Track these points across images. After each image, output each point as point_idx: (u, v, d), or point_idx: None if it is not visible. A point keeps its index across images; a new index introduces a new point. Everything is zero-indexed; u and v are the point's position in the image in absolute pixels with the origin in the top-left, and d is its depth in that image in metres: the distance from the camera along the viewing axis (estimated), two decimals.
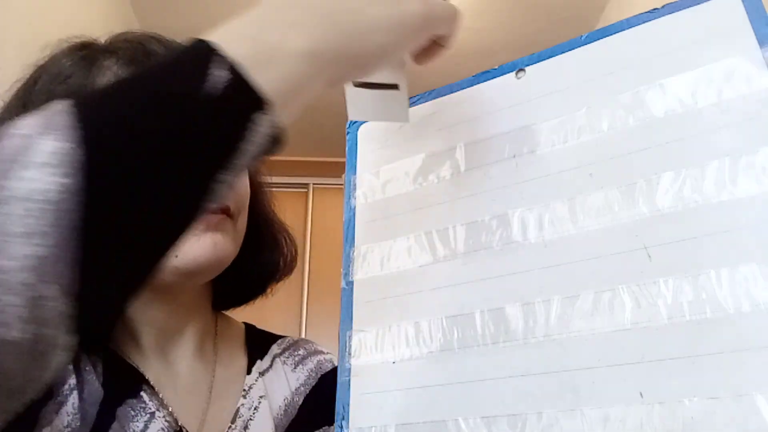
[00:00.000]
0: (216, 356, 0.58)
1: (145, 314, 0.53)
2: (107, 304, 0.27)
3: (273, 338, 0.64)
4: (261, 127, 0.28)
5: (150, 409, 0.48)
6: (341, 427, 0.41)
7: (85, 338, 0.26)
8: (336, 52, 0.32)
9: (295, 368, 0.60)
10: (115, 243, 0.25)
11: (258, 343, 0.62)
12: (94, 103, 0.27)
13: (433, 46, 0.40)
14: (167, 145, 0.26)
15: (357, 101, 0.44)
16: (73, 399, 0.45)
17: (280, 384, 0.58)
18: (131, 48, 0.52)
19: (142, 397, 0.49)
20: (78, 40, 0.55)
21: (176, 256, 0.48)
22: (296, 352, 0.62)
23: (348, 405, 0.41)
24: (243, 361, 0.59)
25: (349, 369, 0.42)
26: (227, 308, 0.63)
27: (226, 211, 0.51)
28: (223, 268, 0.53)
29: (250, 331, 0.64)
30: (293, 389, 0.58)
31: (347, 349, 0.43)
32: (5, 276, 0.22)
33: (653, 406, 0.32)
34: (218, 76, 0.27)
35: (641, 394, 0.32)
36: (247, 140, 0.28)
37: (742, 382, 0.30)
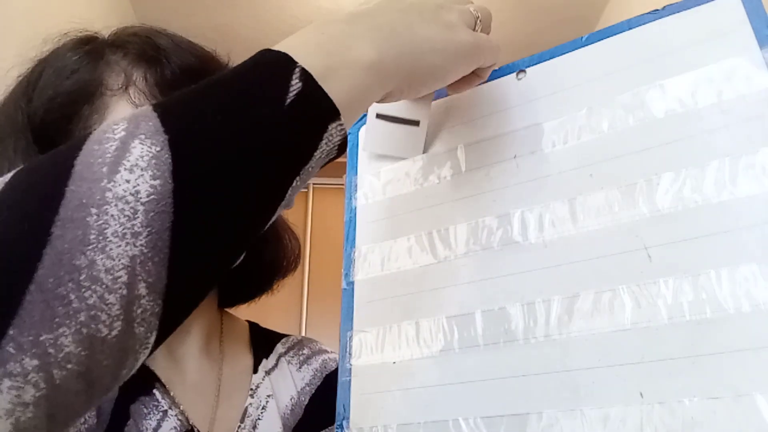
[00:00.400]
0: (222, 355, 0.58)
1: None
2: (188, 302, 0.28)
3: (277, 337, 0.64)
4: (332, 135, 0.30)
5: (163, 407, 0.49)
6: (342, 427, 0.41)
7: (162, 339, 0.27)
8: (397, 66, 0.33)
9: (300, 368, 0.61)
10: (201, 244, 0.26)
11: (263, 342, 0.62)
12: (177, 109, 0.28)
13: (470, 76, 0.41)
14: (247, 150, 0.27)
15: (375, 132, 0.45)
16: None
17: (286, 383, 0.58)
18: (140, 42, 0.52)
19: (154, 395, 0.49)
20: (80, 35, 0.55)
21: None
22: (301, 352, 0.63)
23: (348, 405, 0.41)
24: (249, 359, 0.59)
25: (350, 369, 0.42)
26: (232, 305, 0.64)
27: None
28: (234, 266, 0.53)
29: (255, 329, 0.64)
30: (299, 389, 0.58)
31: (348, 350, 0.43)
32: (105, 276, 0.23)
33: (653, 406, 0.32)
34: (296, 85, 0.28)
35: (641, 394, 0.32)
36: (320, 148, 0.30)
37: (742, 382, 0.30)
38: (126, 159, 0.25)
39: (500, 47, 0.40)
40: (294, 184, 0.29)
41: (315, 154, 0.30)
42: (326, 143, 0.30)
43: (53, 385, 0.23)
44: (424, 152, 0.46)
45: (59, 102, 0.49)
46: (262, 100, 0.28)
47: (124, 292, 0.24)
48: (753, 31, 0.35)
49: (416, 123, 0.44)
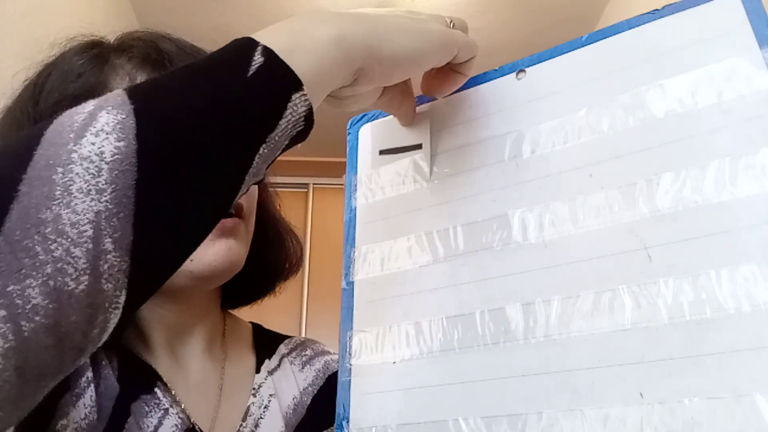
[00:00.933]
0: (225, 355, 0.58)
1: (155, 313, 0.54)
2: (158, 263, 0.28)
3: (280, 338, 0.64)
4: (296, 105, 0.31)
5: (164, 405, 0.49)
6: (342, 427, 0.41)
7: (133, 301, 0.27)
8: (363, 41, 0.34)
9: (302, 368, 0.61)
10: (166, 202, 0.27)
11: (266, 343, 0.62)
12: (143, 86, 0.30)
13: (450, 74, 0.42)
14: (210, 115, 0.29)
15: (381, 167, 0.46)
16: (90, 392, 0.46)
17: (289, 383, 0.59)
18: (144, 46, 0.53)
19: (156, 393, 0.49)
20: (87, 39, 0.56)
21: (191, 261, 0.49)
22: (304, 352, 0.63)
23: (348, 405, 0.41)
24: (251, 360, 0.59)
25: (350, 369, 0.42)
26: (235, 307, 0.64)
27: (239, 213, 0.52)
28: (236, 271, 0.53)
29: (258, 330, 0.65)
30: (301, 389, 0.59)
31: (348, 350, 0.43)
32: (70, 229, 0.24)
33: (653, 406, 0.32)
34: (258, 60, 0.30)
35: (641, 394, 0.32)
36: (283, 116, 0.31)
37: (742, 382, 0.30)
38: (93, 126, 0.26)
39: (478, 45, 0.41)
40: (261, 151, 0.30)
41: (280, 122, 0.31)
42: (291, 113, 0.31)
43: (22, 337, 0.23)
44: (423, 153, 0.46)
45: (65, 105, 0.50)
46: (225, 74, 0.30)
47: (90, 246, 0.24)
48: (753, 31, 0.35)
49: (419, 147, 0.45)
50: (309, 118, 0.32)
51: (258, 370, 0.58)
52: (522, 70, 0.44)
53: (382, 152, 0.46)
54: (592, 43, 0.41)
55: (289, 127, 0.31)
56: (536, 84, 0.43)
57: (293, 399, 0.57)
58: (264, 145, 0.30)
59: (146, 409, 0.48)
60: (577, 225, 0.37)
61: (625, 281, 0.35)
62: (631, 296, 0.34)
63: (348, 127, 0.50)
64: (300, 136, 0.33)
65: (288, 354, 0.62)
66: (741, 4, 0.36)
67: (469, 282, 0.40)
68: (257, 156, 0.30)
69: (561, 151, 0.40)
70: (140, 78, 0.51)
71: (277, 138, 0.31)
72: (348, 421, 0.41)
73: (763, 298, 0.31)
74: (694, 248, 0.33)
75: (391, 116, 0.47)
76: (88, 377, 0.46)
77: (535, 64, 0.43)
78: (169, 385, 0.51)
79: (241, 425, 0.53)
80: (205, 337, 0.57)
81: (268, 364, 0.59)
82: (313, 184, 3.20)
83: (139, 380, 0.49)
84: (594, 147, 0.39)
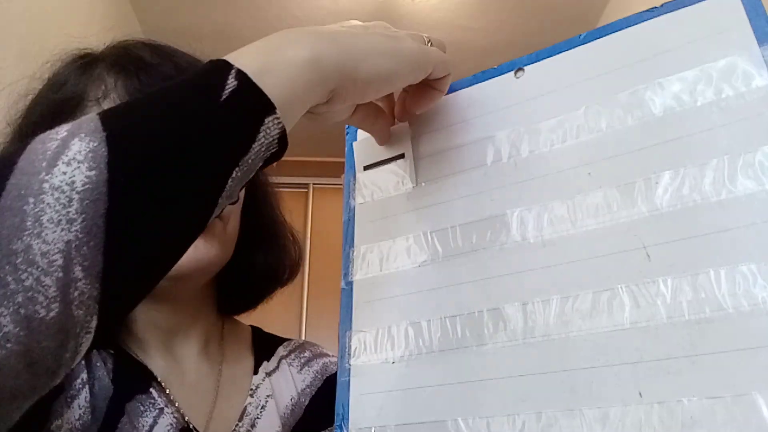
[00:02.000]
0: (223, 356, 0.58)
1: (147, 315, 0.54)
2: (128, 289, 0.29)
3: (279, 341, 0.65)
4: (269, 128, 0.31)
5: (159, 405, 0.49)
6: (341, 427, 0.41)
7: (106, 324, 0.28)
8: (337, 63, 0.35)
9: (301, 370, 0.61)
10: (136, 230, 0.28)
11: (264, 345, 0.62)
12: (117, 111, 0.30)
13: (429, 90, 0.43)
14: (183, 141, 0.29)
15: (368, 182, 0.47)
16: (85, 393, 0.46)
17: (287, 384, 0.59)
18: (116, 54, 0.54)
19: (151, 393, 0.50)
20: (80, 50, 0.56)
21: None
22: (302, 354, 0.63)
23: (348, 405, 0.41)
24: (250, 361, 0.60)
25: (349, 369, 0.42)
26: (235, 313, 0.64)
27: None
28: (212, 271, 0.53)
29: (257, 333, 0.65)
30: (299, 390, 0.59)
31: (347, 350, 0.43)
32: (41, 259, 0.25)
33: (652, 406, 0.32)
34: (231, 84, 0.31)
35: (640, 394, 0.32)
36: (257, 140, 0.31)
37: (742, 382, 0.30)
38: (65, 154, 0.27)
39: (454, 62, 0.42)
40: (234, 174, 0.31)
41: (253, 146, 0.31)
42: (264, 136, 0.31)
43: None
44: (422, 152, 0.46)
45: (47, 114, 0.52)
46: (198, 98, 0.30)
47: (60, 274, 0.25)
48: (752, 29, 0.35)
49: (401, 156, 0.46)
50: (282, 139, 0.33)
51: (256, 372, 0.58)
52: (520, 69, 0.44)
53: (365, 168, 0.47)
54: (590, 41, 0.41)
55: (263, 150, 0.32)
56: (535, 82, 0.43)
57: (291, 399, 0.57)
58: (237, 169, 0.31)
59: (141, 408, 0.48)
60: (575, 224, 0.37)
61: (623, 280, 0.35)
62: (629, 296, 0.34)
63: (347, 127, 0.50)
64: (273, 157, 0.33)
65: (286, 356, 0.62)
66: (740, 2, 0.36)
67: (467, 282, 0.40)
68: (230, 180, 0.31)
69: (559, 150, 0.40)
70: (116, 85, 0.51)
71: (250, 161, 0.31)
72: (347, 421, 0.41)
73: (762, 297, 0.31)
74: (693, 247, 0.33)
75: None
76: (82, 379, 0.46)
77: (533, 62, 0.43)
78: (165, 384, 0.51)
79: (237, 425, 0.53)
80: (201, 338, 0.57)
81: (266, 366, 0.59)
82: (313, 184, 3.20)
83: (134, 380, 0.50)
84: (592, 146, 0.39)
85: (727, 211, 0.33)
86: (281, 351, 0.62)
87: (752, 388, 0.29)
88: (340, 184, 0.49)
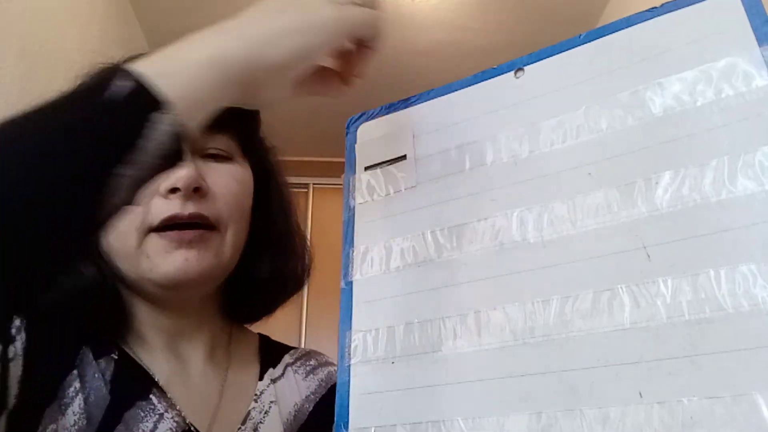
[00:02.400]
0: (229, 362, 0.58)
1: (152, 317, 0.54)
2: (20, 295, 0.30)
3: (285, 349, 0.65)
4: (159, 125, 0.32)
5: (159, 410, 0.50)
6: (341, 427, 0.41)
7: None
8: (242, 58, 0.36)
9: (306, 377, 0.61)
10: (25, 231, 0.29)
11: (271, 353, 0.63)
12: (10, 120, 0.31)
13: (360, 50, 0.42)
14: (63, 141, 0.30)
15: (367, 183, 0.47)
16: (79, 401, 0.47)
17: (291, 391, 0.59)
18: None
19: (151, 399, 0.50)
20: (103, 65, 0.58)
21: (150, 269, 0.50)
22: (308, 362, 0.63)
23: (348, 405, 0.41)
24: (256, 368, 0.60)
25: (349, 369, 0.42)
26: (243, 323, 0.63)
27: (208, 224, 0.51)
28: (208, 281, 0.53)
29: (264, 341, 0.65)
30: (303, 396, 0.59)
31: (347, 349, 0.43)
32: None
33: (652, 406, 0.32)
34: (121, 86, 0.31)
35: (640, 394, 0.32)
36: (145, 137, 0.31)
37: (742, 382, 0.30)
38: None
39: (381, 16, 0.41)
40: (117, 172, 0.31)
41: (138, 143, 0.31)
42: (153, 131, 0.32)
43: None
44: (422, 152, 0.46)
45: None
46: (83, 100, 0.32)
47: None
48: (752, 29, 0.35)
49: (404, 158, 0.46)
50: (180, 134, 0.33)
51: (261, 378, 0.58)
52: (520, 69, 0.44)
53: (366, 168, 0.47)
54: (590, 41, 0.41)
55: (155, 146, 0.32)
56: (534, 82, 0.43)
57: (294, 405, 0.58)
58: (123, 166, 0.31)
59: (141, 415, 0.49)
60: (576, 224, 0.37)
61: (624, 281, 0.35)
62: (630, 296, 0.34)
63: (347, 126, 0.50)
64: (172, 157, 0.34)
65: (292, 363, 0.62)
66: (740, 2, 0.36)
67: (468, 281, 0.40)
68: (115, 177, 0.31)
69: (560, 150, 0.40)
70: None
71: (140, 158, 0.31)
72: (347, 421, 0.41)
73: (762, 297, 0.31)
74: (693, 247, 0.33)
75: (377, 131, 0.47)
76: (75, 387, 0.47)
77: (533, 62, 0.43)
78: (167, 387, 0.51)
79: (239, 429, 0.53)
80: (207, 343, 0.57)
81: (272, 373, 0.59)
82: (313, 184, 3.20)
83: (134, 387, 0.50)
84: (593, 146, 0.39)
85: (727, 211, 0.33)
86: (287, 358, 0.62)
87: (752, 388, 0.29)
88: (340, 184, 0.49)
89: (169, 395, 0.51)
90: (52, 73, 1.49)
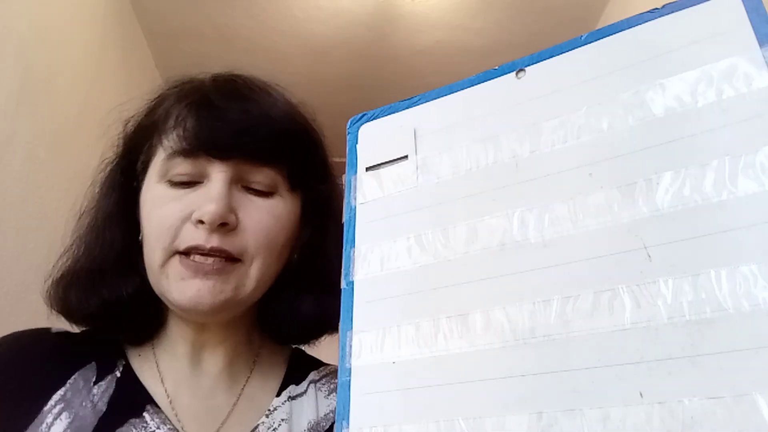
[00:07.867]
0: (250, 374, 0.58)
1: (178, 327, 0.57)
2: None
3: (316, 365, 0.64)
4: None
5: (150, 427, 0.50)
6: (341, 428, 0.41)
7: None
8: None
9: (329, 395, 0.61)
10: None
11: (299, 368, 0.62)
12: None
13: None
14: None
15: (369, 184, 0.47)
16: (65, 418, 0.48)
17: (310, 408, 0.58)
18: (189, 89, 0.58)
19: (144, 417, 0.51)
20: (182, 78, 0.61)
21: (168, 291, 0.51)
22: (333, 380, 0.62)
23: (348, 405, 0.41)
24: (276, 383, 0.60)
25: (350, 369, 0.42)
26: (280, 344, 0.63)
27: (230, 256, 0.51)
28: (222, 312, 0.53)
29: (296, 356, 0.64)
30: (322, 415, 0.58)
31: (347, 350, 0.43)
32: None
33: (653, 406, 0.32)
34: None
35: (641, 394, 0.32)
36: None
37: (742, 382, 0.30)
38: None
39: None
40: None
41: None
42: None
43: None
44: (423, 152, 0.46)
45: (133, 134, 0.58)
46: None
47: None
48: (753, 30, 0.35)
49: (405, 158, 0.46)
50: None
51: (279, 394, 0.58)
52: (521, 70, 0.44)
53: (368, 169, 0.47)
54: (591, 42, 0.41)
55: None
56: (536, 83, 0.43)
57: (308, 423, 0.57)
58: None
59: (133, 431, 0.49)
60: (576, 224, 0.37)
61: (624, 281, 0.35)
62: (630, 296, 0.34)
63: (348, 126, 0.50)
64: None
65: (317, 380, 0.62)
66: (741, 3, 0.36)
67: (468, 282, 0.40)
68: None
69: (560, 150, 0.40)
70: (181, 118, 0.53)
71: None
72: (348, 421, 0.41)
73: (763, 297, 0.31)
74: (694, 248, 0.33)
75: (377, 131, 0.47)
76: (60, 407, 0.49)
77: (534, 63, 0.43)
78: (172, 398, 0.52)
79: None
80: (228, 355, 0.57)
81: (293, 390, 0.59)
82: None
83: (130, 405, 0.51)
84: (594, 146, 0.39)
85: (728, 212, 0.33)
86: (313, 375, 0.62)
87: (753, 389, 0.29)
88: (341, 185, 0.49)
89: (164, 410, 0.51)
90: (52, 74, 1.49)
